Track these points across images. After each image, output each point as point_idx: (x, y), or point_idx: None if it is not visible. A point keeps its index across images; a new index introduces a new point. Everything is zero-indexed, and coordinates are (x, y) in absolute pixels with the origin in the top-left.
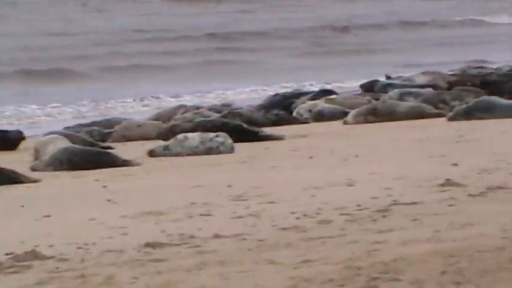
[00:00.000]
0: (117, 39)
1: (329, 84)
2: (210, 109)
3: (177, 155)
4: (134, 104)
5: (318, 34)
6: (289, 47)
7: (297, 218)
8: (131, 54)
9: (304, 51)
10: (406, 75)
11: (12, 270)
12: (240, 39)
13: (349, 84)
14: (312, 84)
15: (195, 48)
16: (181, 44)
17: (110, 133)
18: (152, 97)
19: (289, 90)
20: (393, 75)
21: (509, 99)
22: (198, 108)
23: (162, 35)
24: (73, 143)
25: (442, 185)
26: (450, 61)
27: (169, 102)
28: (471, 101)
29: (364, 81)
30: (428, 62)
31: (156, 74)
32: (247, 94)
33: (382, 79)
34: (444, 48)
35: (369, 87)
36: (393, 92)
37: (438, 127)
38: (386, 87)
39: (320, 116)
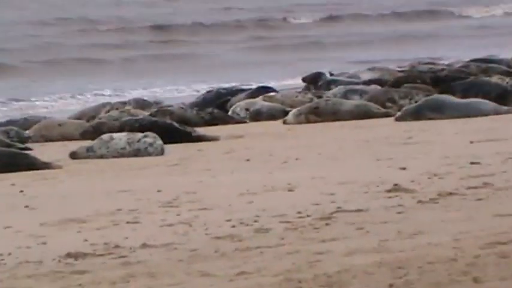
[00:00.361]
0: (34, 30)
1: (270, 81)
2: (137, 102)
3: (102, 157)
4: (55, 103)
5: (260, 26)
6: (228, 41)
7: (233, 226)
8: (53, 47)
9: (244, 45)
10: (351, 71)
11: None
12: (173, 32)
13: (292, 81)
14: (248, 84)
15: (126, 41)
16: (110, 36)
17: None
18: (76, 94)
19: (225, 86)
20: (337, 72)
21: (462, 97)
22: (124, 104)
23: (89, 26)
24: None
25: (389, 191)
26: (403, 57)
27: (95, 100)
28: (421, 99)
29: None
30: (379, 58)
31: (82, 69)
32: (179, 91)
33: (327, 74)
34: (399, 42)
35: (312, 80)
36: (337, 89)
37: (385, 128)
38: (330, 84)
39: (258, 115)
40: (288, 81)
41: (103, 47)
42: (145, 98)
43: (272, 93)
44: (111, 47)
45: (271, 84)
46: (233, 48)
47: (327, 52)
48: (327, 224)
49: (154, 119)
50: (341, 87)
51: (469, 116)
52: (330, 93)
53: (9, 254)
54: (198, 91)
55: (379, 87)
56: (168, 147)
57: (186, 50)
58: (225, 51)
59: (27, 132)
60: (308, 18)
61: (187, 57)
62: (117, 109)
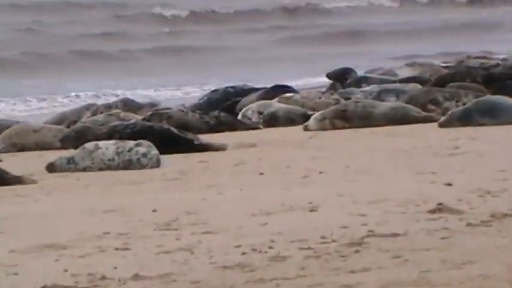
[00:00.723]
0: (4, 16)
1: (289, 78)
2: (125, 104)
3: (86, 169)
4: (28, 105)
5: (282, 12)
6: (242, 31)
7: (243, 253)
8: (28, 36)
9: (261, 36)
10: (386, 67)
11: None
12: (176, 21)
13: (314, 80)
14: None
15: (117, 30)
16: (99, 25)
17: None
18: (55, 94)
19: (234, 84)
20: (370, 68)
21: None
22: (109, 108)
23: (73, 12)
24: None
25: (432, 211)
26: (451, 50)
27: (77, 101)
28: (470, 101)
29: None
30: (423, 52)
31: (62, 64)
32: (180, 90)
33: (360, 71)
34: (448, 33)
35: (339, 78)
36: (369, 89)
37: (427, 135)
38: (360, 82)
39: (273, 120)
40: (310, 80)
41: (89, 37)
42: (136, 99)
43: (290, 94)
44: (99, 38)
45: (289, 82)
46: (247, 39)
47: (363, 45)
48: (356, 251)
49: (148, 124)
50: (374, 86)
51: None
52: (359, 93)
53: None
54: (206, 90)
55: (419, 87)
56: (166, 158)
57: (191, 42)
58: (237, 43)
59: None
60: (343, 2)
61: (192, 50)
62: (101, 112)
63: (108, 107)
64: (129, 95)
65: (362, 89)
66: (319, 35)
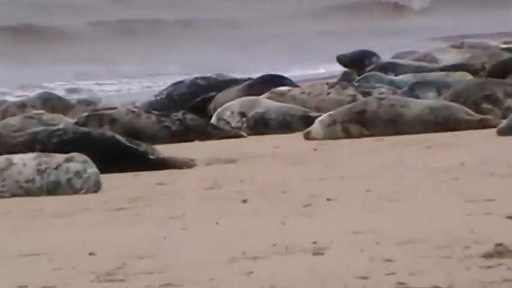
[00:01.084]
0: None
1: (286, 67)
2: (44, 101)
3: None
4: None
5: None
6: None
7: None
8: None
9: (256, 9)
10: (422, 50)
11: None
12: None
13: (322, 68)
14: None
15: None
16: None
17: None
18: None
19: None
20: (399, 51)
21: None
22: (24, 106)
23: None
24: None
25: (488, 255)
26: None
27: None
28: None
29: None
30: (480, 30)
31: None
32: (131, 84)
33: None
34: (509, 4)
35: (356, 63)
36: (399, 80)
37: (481, 146)
38: (385, 70)
39: (262, 124)
40: (315, 68)
41: (14, 9)
42: (69, 94)
43: (286, 87)
44: (27, 10)
45: (285, 71)
46: (228, 10)
47: (391, 20)
48: None
49: (84, 130)
50: (406, 76)
51: None
52: (385, 86)
53: None
54: (168, 82)
55: (469, 77)
56: (108, 179)
57: (148, 15)
58: (213, 15)
59: None
60: None
61: (149, 26)
62: (13, 114)
63: (22, 105)
64: (60, 88)
65: (389, 77)
66: (331, 7)
